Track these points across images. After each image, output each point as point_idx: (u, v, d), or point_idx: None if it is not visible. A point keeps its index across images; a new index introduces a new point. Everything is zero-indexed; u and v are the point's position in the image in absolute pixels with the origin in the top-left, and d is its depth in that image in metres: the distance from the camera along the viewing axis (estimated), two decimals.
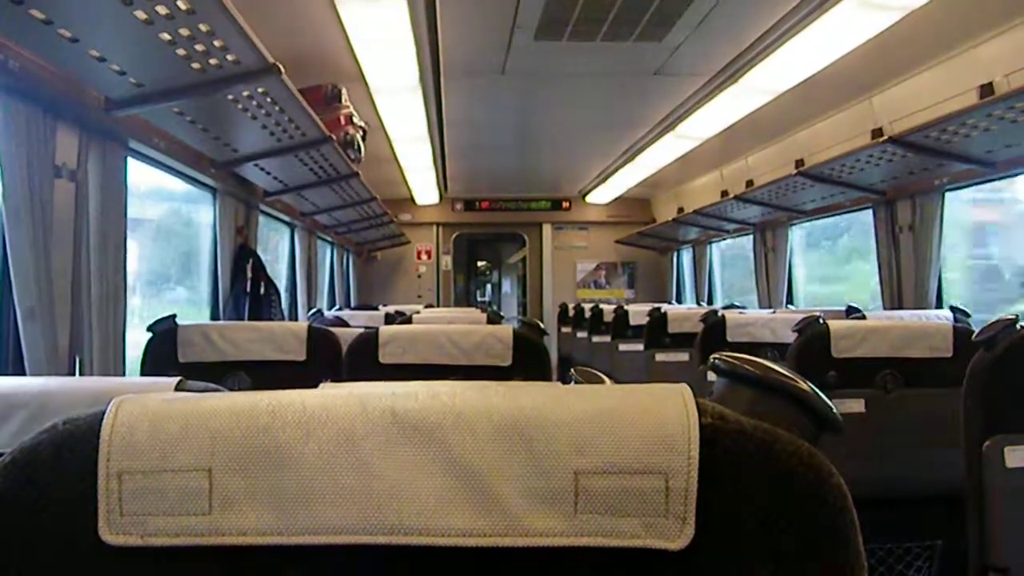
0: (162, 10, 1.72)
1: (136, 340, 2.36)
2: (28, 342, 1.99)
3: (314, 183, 4.08)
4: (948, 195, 3.86)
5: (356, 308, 6.64)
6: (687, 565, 0.55)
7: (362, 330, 2.38)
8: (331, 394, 0.59)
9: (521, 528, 0.55)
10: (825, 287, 6.01)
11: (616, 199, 8.17)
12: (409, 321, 3.34)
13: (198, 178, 3.35)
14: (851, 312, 3.44)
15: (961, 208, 4.10)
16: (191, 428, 0.57)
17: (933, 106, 3.31)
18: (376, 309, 5.33)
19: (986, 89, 3.01)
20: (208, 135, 2.89)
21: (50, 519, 0.57)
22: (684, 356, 3.70)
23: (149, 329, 2.16)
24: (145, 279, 3.76)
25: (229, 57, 2.10)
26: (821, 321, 2.22)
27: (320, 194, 4.44)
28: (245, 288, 3.76)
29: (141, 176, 3.15)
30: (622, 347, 4.71)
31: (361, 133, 4.02)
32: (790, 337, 2.36)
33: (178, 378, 1.01)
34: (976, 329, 1.63)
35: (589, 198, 8.30)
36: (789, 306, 5.52)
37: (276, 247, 5.24)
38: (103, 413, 0.58)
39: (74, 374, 2.15)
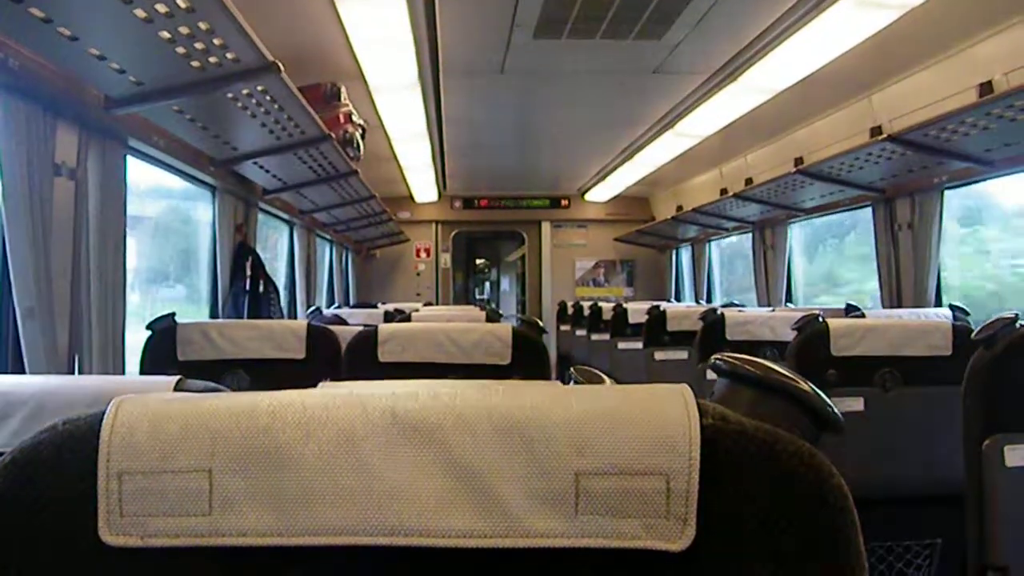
0: (162, 8, 1.72)
1: (135, 339, 2.36)
2: (27, 340, 1.99)
3: (313, 181, 4.08)
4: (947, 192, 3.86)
5: (355, 306, 6.63)
6: (688, 566, 0.55)
7: (361, 328, 2.38)
8: (331, 394, 0.59)
9: (522, 529, 0.55)
10: (832, 292, 5.77)
11: (615, 197, 8.17)
12: (408, 319, 3.34)
13: (197, 176, 3.35)
14: (850, 310, 3.44)
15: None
16: (191, 429, 0.57)
17: (932, 104, 3.31)
18: (375, 307, 5.33)
19: (985, 87, 3.01)
20: (207, 133, 2.89)
21: (50, 519, 0.57)
22: (683, 354, 3.70)
23: (148, 327, 2.16)
24: (144, 277, 3.76)
25: (229, 55, 2.09)
26: (820, 319, 2.23)
27: (319, 192, 4.44)
28: (244, 286, 3.76)
29: (140, 174, 3.15)
30: (621, 345, 4.71)
31: (360, 131, 4.02)
32: (789, 335, 2.36)
33: (177, 377, 1.01)
34: (975, 327, 1.63)
35: (588, 196, 8.30)
36: (788, 304, 5.52)
37: (275, 245, 5.24)
38: (103, 413, 0.58)
39: (73, 373, 2.15)
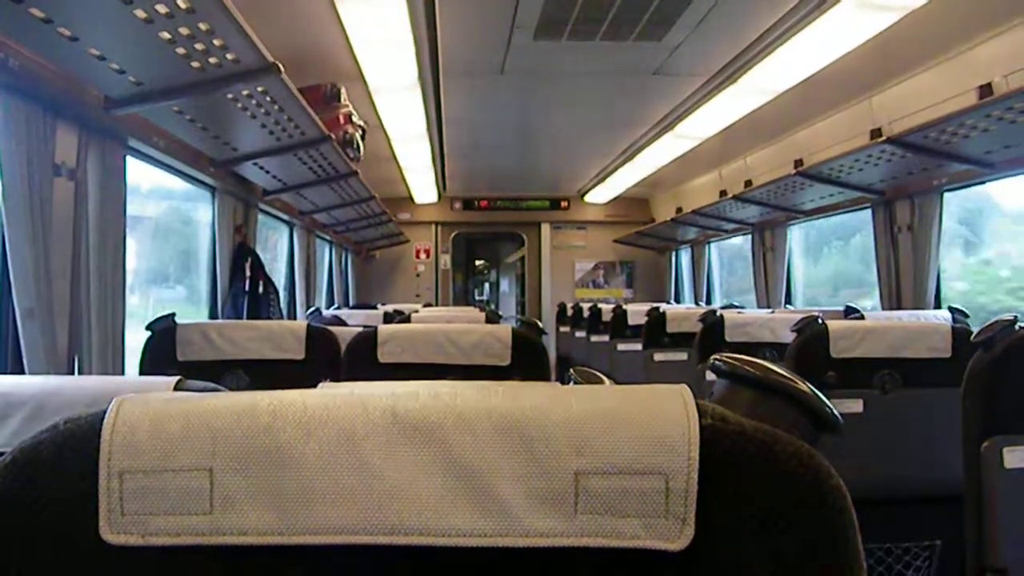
0: (162, 9, 1.72)
1: (135, 339, 2.36)
2: (27, 341, 1.99)
3: (313, 182, 4.08)
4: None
5: (355, 307, 6.64)
6: (687, 566, 0.55)
7: (360, 329, 2.38)
8: (332, 394, 0.59)
9: (521, 528, 0.55)
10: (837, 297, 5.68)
11: (615, 199, 8.17)
12: (408, 320, 3.34)
13: (197, 177, 3.35)
14: (849, 312, 3.44)
15: None
16: (192, 428, 0.57)
17: (932, 106, 3.31)
18: (375, 308, 5.33)
19: (985, 90, 3.01)
20: (207, 134, 2.89)
21: (51, 519, 0.57)
22: (683, 356, 3.70)
23: (148, 328, 2.16)
24: (144, 277, 3.76)
25: (229, 56, 2.10)
26: (820, 321, 2.23)
27: (319, 193, 4.44)
28: (244, 287, 3.76)
29: (140, 175, 3.15)
30: (620, 347, 4.71)
31: (360, 132, 4.02)
32: (789, 337, 2.36)
33: (177, 377, 1.02)
34: (975, 330, 1.63)
35: (588, 198, 8.30)
36: (788, 306, 5.52)
37: (275, 246, 5.24)
38: (104, 413, 0.58)
39: (73, 373, 2.15)
